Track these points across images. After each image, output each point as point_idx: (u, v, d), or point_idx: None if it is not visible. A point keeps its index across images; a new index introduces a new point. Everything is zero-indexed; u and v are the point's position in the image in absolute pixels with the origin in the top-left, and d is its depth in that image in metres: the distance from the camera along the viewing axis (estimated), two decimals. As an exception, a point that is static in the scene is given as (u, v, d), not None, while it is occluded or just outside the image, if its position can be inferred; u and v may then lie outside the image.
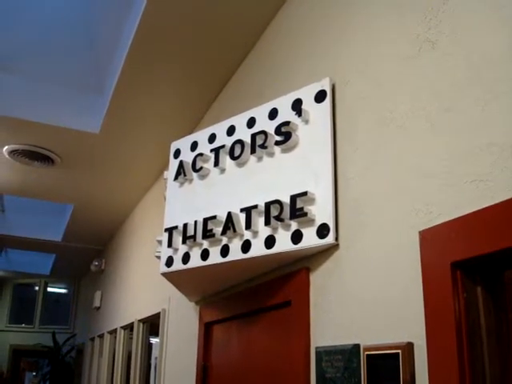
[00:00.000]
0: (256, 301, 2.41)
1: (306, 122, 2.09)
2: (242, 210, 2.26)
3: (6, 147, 4.33)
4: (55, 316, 11.79)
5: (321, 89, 2.05)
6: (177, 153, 2.85)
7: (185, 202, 2.71)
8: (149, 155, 4.41)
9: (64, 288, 12.33)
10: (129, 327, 5.28)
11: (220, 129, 2.60)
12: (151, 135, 4.07)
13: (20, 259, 10.13)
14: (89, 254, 7.85)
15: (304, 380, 1.88)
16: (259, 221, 2.18)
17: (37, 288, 12.07)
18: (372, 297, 1.63)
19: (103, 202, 5.76)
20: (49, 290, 12.15)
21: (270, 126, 2.24)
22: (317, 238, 1.89)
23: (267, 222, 2.10)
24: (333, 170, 1.92)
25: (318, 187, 1.94)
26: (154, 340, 4.68)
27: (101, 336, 6.65)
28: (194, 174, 2.67)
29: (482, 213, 1.25)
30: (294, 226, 2.00)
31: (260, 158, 2.30)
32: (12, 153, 4.42)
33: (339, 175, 1.91)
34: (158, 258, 2.82)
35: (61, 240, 7.29)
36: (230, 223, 2.29)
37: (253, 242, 2.19)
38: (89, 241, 7.33)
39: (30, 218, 7.38)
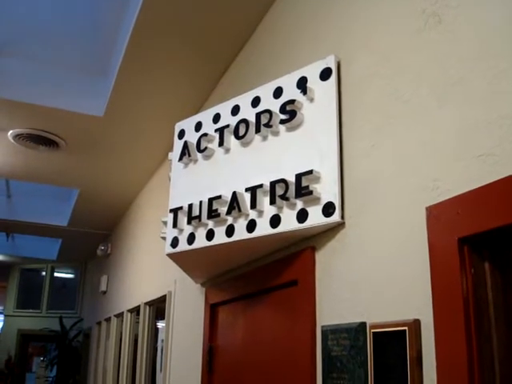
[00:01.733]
0: (262, 281, 2.40)
1: (311, 100, 2.07)
2: (247, 190, 2.25)
3: (11, 131, 4.33)
4: (62, 301, 11.87)
5: (326, 66, 2.02)
6: (181, 133, 2.83)
7: (190, 183, 2.70)
8: (154, 137, 4.40)
9: (70, 273, 12.41)
10: (135, 310, 5.31)
11: (224, 108, 2.58)
12: (156, 117, 4.06)
13: (26, 244, 10.17)
14: (95, 238, 7.87)
15: (310, 359, 1.88)
16: (264, 200, 2.16)
17: (43, 273, 12.15)
18: (378, 274, 1.62)
19: (109, 186, 5.76)
20: (55, 274, 12.23)
21: (275, 105, 2.22)
22: (322, 216, 1.88)
23: (272, 201, 2.08)
24: (338, 148, 1.90)
25: (324, 165, 1.92)
26: (160, 325, 4.70)
27: (107, 320, 6.69)
28: (199, 155, 2.66)
29: (489, 187, 1.23)
30: (299, 204, 1.98)
31: (265, 137, 2.28)
32: (17, 137, 4.41)
33: (345, 153, 1.89)
34: (164, 238, 2.82)
35: (67, 225, 7.31)
36: (235, 203, 2.27)
37: (258, 221, 2.18)
38: (95, 225, 7.36)
39: (36, 203, 7.40)
